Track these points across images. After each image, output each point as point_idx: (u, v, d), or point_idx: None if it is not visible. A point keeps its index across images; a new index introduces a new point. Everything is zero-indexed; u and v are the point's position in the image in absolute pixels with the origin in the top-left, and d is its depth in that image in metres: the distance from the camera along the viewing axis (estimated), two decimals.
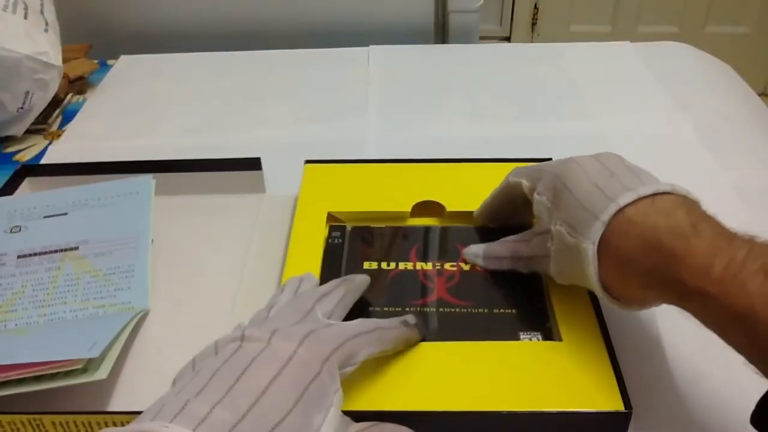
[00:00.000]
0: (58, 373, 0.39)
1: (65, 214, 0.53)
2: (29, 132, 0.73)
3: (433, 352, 0.41)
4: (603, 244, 0.36)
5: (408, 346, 0.40)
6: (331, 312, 0.39)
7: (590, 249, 0.36)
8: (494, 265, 0.46)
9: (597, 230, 0.36)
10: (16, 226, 0.52)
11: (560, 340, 0.41)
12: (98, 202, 0.54)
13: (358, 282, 0.44)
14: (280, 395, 0.31)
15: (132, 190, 0.55)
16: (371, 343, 0.37)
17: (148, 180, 0.55)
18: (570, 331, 0.42)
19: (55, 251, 0.50)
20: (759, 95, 0.80)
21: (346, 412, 0.37)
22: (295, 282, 0.43)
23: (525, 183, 0.44)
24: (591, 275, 0.37)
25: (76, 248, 0.50)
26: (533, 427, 0.38)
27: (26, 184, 0.60)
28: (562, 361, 0.40)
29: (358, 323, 0.38)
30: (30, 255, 0.50)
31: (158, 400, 0.31)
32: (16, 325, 0.46)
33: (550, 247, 0.41)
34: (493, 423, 0.38)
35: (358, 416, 0.37)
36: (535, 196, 0.42)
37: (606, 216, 0.36)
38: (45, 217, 0.53)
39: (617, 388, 0.38)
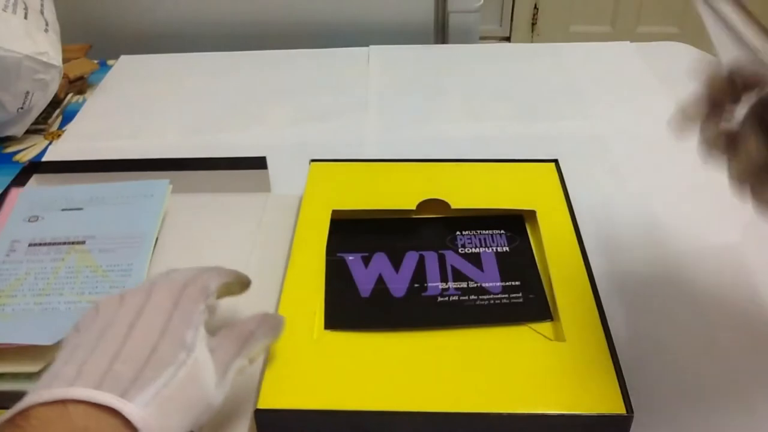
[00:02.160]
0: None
1: (81, 209, 0.54)
2: (29, 132, 0.73)
3: (431, 352, 0.41)
4: None
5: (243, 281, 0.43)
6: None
7: None
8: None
9: None
10: (34, 216, 0.53)
11: (563, 340, 0.41)
12: (114, 200, 0.55)
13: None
14: (146, 330, 0.34)
15: (148, 192, 0.56)
16: (219, 276, 0.40)
17: (164, 183, 0.56)
18: (573, 332, 0.42)
19: (63, 243, 0.52)
20: None
21: (349, 412, 0.37)
22: None
23: None
24: None
25: (83, 242, 0.52)
26: (533, 429, 0.38)
27: (33, 181, 0.60)
28: (563, 363, 0.40)
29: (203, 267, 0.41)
30: (40, 244, 0.52)
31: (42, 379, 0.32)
32: (13, 310, 0.47)
33: None
34: (492, 425, 0.38)
35: (354, 416, 0.37)
36: None
37: None
38: (62, 209, 0.54)
39: (619, 391, 0.38)
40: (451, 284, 0.47)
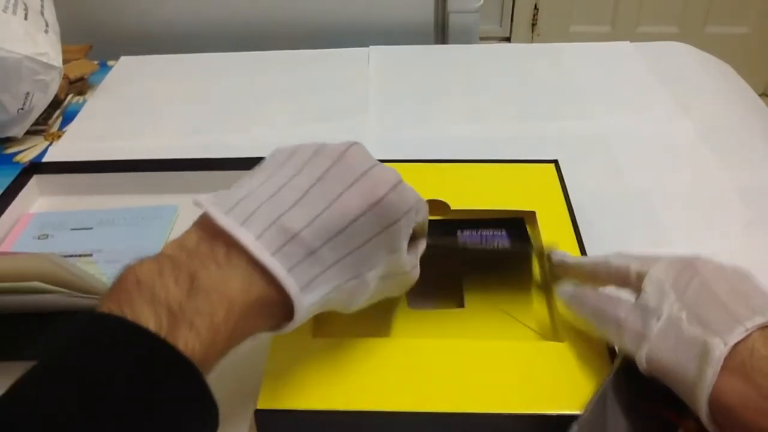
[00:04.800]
0: None
1: (91, 228, 0.56)
2: (29, 133, 0.73)
3: (431, 352, 0.41)
4: (736, 353, 0.31)
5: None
6: None
7: (718, 348, 0.31)
8: (575, 306, 0.41)
9: (736, 334, 0.31)
10: (44, 234, 0.56)
11: (562, 340, 0.41)
12: (123, 222, 0.57)
13: None
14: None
15: (157, 215, 0.57)
16: (421, 213, 0.41)
17: (174, 208, 0.58)
18: (572, 333, 0.42)
19: (71, 255, 0.53)
20: (759, 95, 0.80)
21: (349, 412, 0.37)
22: None
23: (634, 266, 0.39)
24: (705, 379, 0.31)
25: (90, 255, 0.53)
26: (532, 429, 0.38)
27: (33, 182, 0.60)
28: (563, 363, 0.40)
29: None
30: None
31: (243, 193, 0.33)
32: None
33: (653, 325, 0.35)
34: (490, 425, 0.38)
35: (354, 416, 0.37)
36: (652, 272, 0.37)
37: (751, 324, 0.32)
38: (72, 229, 0.56)
39: None
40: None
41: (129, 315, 0.27)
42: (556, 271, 0.46)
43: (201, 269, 0.30)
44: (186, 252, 0.31)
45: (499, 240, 0.50)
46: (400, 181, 0.37)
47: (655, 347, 0.34)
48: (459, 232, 0.51)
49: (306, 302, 0.32)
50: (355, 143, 0.38)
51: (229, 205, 0.32)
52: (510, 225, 0.51)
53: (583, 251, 0.48)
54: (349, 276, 0.35)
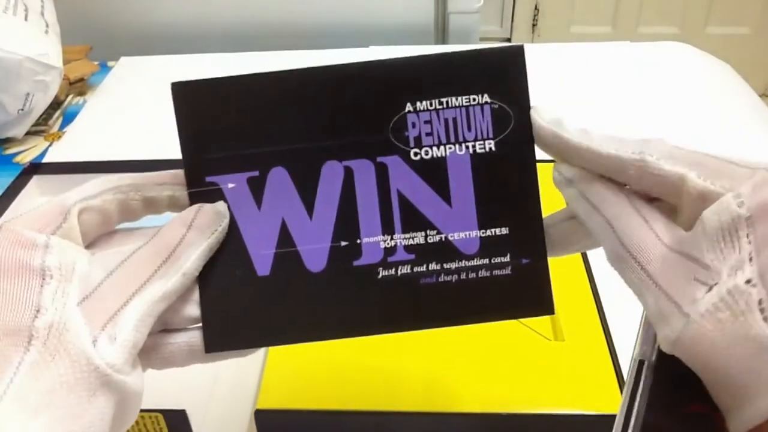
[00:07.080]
0: None
1: None
2: (30, 133, 0.73)
3: (431, 351, 0.41)
4: None
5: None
6: None
7: None
8: (579, 206, 0.27)
9: None
10: None
11: (562, 339, 0.41)
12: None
13: None
14: None
15: (158, 216, 0.57)
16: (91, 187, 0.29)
17: None
18: (573, 332, 0.42)
19: None
20: (759, 95, 0.80)
21: (349, 412, 0.37)
22: None
23: (693, 177, 0.25)
24: None
25: None
26: (533, 429, 0.38)
27: (33, 183, 0.60)
28: (563, 363, 0.40)
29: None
30: None
31: None
32: None
33: (698, 293, 0.21)
34: (491, 425, 0.38)
35: (354, 416, 0.37)
36: (731, 199, 0.22)
37: None
38: None
39: (619, 391, 0.38)
40: (399, 238, 0.28)
41: None
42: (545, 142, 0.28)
43: None
44: None
45: (478, 127, 0.29)
46: None
47: (698, 333, 0.21)
48: (409, 111, 0.30)
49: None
50: None
51: None
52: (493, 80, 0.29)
53: (585, 258, 0.48)
54: None
